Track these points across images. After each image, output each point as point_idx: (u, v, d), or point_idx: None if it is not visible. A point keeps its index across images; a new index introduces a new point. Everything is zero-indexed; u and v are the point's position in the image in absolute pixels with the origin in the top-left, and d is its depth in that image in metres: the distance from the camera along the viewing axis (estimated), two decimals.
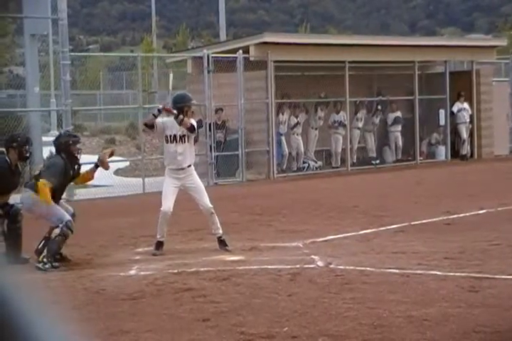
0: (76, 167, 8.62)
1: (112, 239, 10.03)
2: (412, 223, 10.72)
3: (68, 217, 8.21)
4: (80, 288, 7.35)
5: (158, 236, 9.04)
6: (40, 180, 8.18)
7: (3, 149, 8.53)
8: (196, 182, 9.17)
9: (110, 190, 15.05)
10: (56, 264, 8.15)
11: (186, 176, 9.07)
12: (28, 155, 8.71)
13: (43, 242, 8.33)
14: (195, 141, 9.72)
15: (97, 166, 8.81)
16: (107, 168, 9.09)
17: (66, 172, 8.39)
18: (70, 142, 8.46)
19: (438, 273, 7.49)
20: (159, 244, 8.98)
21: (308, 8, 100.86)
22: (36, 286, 6.69)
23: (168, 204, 8.97)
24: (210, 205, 9.08)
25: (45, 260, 8.03)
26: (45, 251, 8.19)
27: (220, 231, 9.12)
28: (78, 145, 8.70)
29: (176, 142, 8.97)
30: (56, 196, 8.34)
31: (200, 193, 9.10)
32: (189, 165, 9.12)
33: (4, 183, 8.35)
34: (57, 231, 8.18)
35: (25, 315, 0.61)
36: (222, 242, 9.12)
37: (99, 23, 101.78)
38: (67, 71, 14.64)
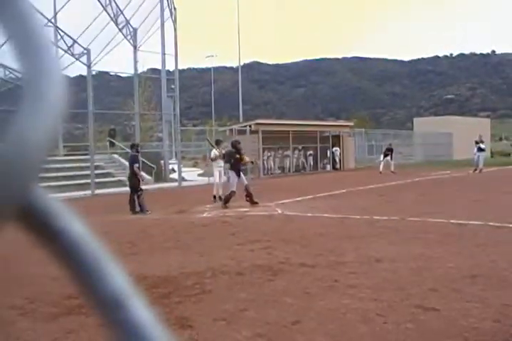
0: None
1: (196, 202, 16.71)
2: (317, 195, 17.65)
3: None
4: (177, 222, 12.26)
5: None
6: None
7: None
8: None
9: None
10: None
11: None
12: None
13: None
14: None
15: None
16: None
17: None
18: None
19: (335, 215, 12.27)
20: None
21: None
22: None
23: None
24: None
25: None
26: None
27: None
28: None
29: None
30: None
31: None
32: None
33: None
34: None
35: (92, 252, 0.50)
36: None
37: None
38: None
